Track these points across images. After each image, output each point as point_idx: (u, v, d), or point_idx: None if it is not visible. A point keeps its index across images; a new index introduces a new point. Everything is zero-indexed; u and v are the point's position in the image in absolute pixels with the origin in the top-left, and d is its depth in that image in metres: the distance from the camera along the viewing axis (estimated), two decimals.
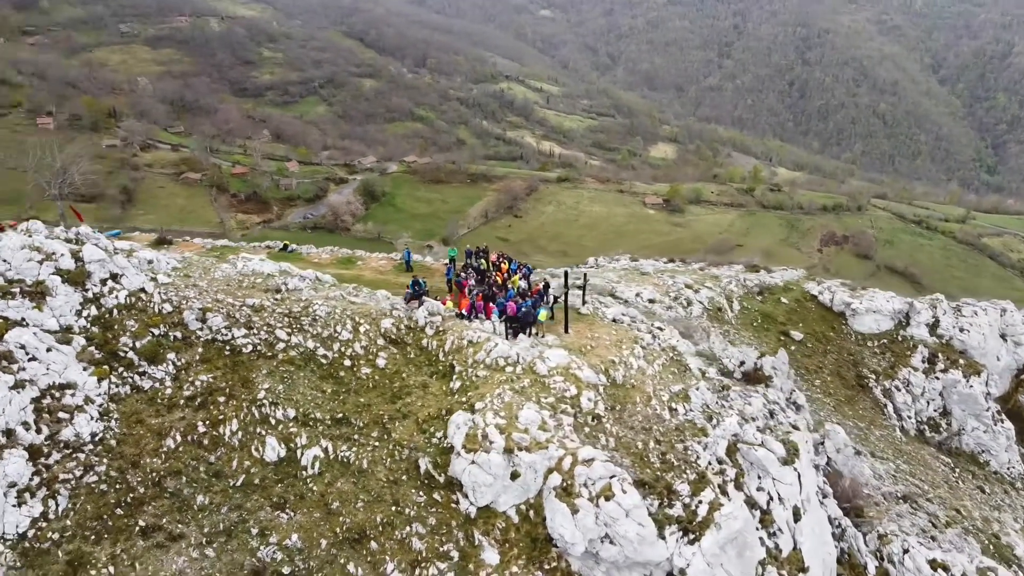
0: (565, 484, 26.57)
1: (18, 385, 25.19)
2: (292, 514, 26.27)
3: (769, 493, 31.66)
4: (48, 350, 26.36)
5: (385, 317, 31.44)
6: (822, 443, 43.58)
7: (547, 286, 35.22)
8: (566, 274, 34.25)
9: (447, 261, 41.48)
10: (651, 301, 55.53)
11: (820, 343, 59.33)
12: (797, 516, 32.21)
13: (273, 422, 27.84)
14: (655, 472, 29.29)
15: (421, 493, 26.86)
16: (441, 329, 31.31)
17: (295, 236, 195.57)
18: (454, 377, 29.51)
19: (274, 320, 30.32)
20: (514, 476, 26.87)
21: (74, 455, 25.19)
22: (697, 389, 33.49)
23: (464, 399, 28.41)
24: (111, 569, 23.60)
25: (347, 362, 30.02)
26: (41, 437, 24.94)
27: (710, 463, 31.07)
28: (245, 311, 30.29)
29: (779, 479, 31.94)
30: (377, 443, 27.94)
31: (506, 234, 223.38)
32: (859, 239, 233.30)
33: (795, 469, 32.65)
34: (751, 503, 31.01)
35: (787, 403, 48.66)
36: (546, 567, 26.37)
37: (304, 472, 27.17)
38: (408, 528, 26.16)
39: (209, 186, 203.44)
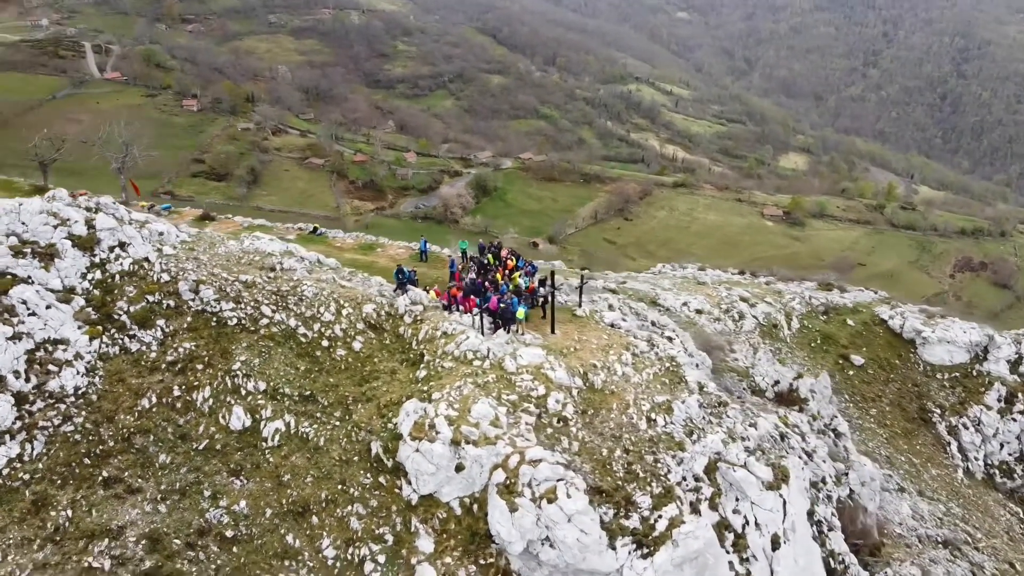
0: (508, 482, 26.50)
1: (15, 336, 27.67)
2: (245, 481, 27.55)
3: (746, 517, 30.34)
4: (48, 307, 28.78)
5: (369, 302, 32.32)
6: (846, 474, 41.12)
7: (543, 283, 34.98)
8: (552, 274, 33.90)
9: (459, 253, 41.92)
10: (698, 312, 54.11)
11: (883, 370, 55.99)
12: (776, 544, 30.70)
13: (243, 393, 29.26)
14: (616, 481, 28.67)
15: (368, 475, 27.51)
16: (420, 318, 31.86)
17: (406, 225, 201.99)
18: (421, 366, 29.99)
19: (262, 297, 31.79)
20: (459, 468, 27.04)
21: (56, 405, 27.42)
22: (683, 402, 32.38)
23: (426, 388, 28.82)
24: (69, 512, 25.56)
25: (325, 343, 31.10)
26: (29, 386, 27.29)
27: (685, 479, 30.14)
28: (236, 286, 31.92)
29: (758, 503, 30.57)
30: (338, 423, 28.82)
31: (614, 236, 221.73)
32: (999, 266, 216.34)
33: (780, 495, 31.15)
34: (724, 525, 29.82)
35: (824, 429, 46.38)
36: (481, 562, 26.42)
37: (264, 443, 28.41)
38: (349, 507, 26.89)
39: (330, 172, 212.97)
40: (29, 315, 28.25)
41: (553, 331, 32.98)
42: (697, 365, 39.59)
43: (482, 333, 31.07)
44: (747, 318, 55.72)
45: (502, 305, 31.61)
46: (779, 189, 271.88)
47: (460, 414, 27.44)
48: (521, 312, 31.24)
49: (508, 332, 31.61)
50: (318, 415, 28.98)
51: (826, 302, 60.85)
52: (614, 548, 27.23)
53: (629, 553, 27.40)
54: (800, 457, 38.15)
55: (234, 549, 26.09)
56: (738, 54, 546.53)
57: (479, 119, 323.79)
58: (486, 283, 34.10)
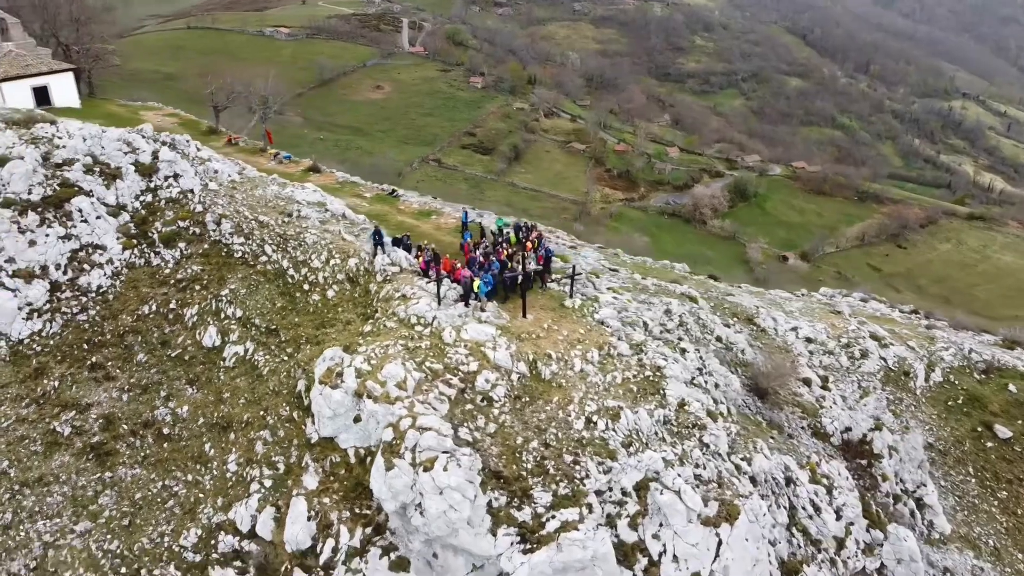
0: (394, 442, 27.17)
1: (66, 236, 33.75)
2: (196, 391, 31.14)
3: (664, 546, 28.16)
4: (98, 217, 34.60)
5: (355, 256, 34.27)
6: (881, 544, 35.70)
7: (535, 268, 34.37)
8: (523, 258, 33.17)
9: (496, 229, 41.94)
10: (808, 340, 49.50)
11: None
12: None
13: (222, 316, 32.89)
14: (519, 470, 28.15)
15: (287, 408, 29.74)
16: (390, 278, 33.18)
17: (651, 219, 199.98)
18: (370, 322, 31.40)
19: (269, 237, 35.15)
20: (357, 420, 28.25)
21: (79, 297, 33.07)
22: (635, 412, 30.45)
23: (362, 341, 30.24)
24: (56, 384, 30.93)
25: (306, 286, 33.70)
26: (65, 278, 33.23)
27: (610, 489, 28.75)
28: (252, 224, 35.64)
29: (681, 535, 28.25)
30: (286, 358, 31.35)
31: (880, 263, 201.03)
32: None
33: (716, 534, 28.43)
34: (640, 548, 28.04)
35: (899, 493, 40.73)
36: (356, 511, 27.50)
37: (223, 362, 31.80)
38: (261, 432, 29.33)
39: (588, 158, 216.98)
40: (81, 221, 34.23)
41: (525, 315, 32.52)
42: (717, 385, 36.51)
43: (438, 302, 31.58)
44: (871, 358, 49.67)
45: (474, 280, 31.80)
46: None
47: (373, 370, 28.54)
48: (476, 284, 31.27)
49: (467, 306, 31.81)
50: (273, 348, 31.75)
51: (990, 359, 51.81)
52: (495, 535, 26.85)
53: (512, 544, 26.86)
54: (803, 508, 34.17)
55: (164, 445, 29.82)
56: None
57: (765, 122, 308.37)
58: (482, 257, 34.36)
